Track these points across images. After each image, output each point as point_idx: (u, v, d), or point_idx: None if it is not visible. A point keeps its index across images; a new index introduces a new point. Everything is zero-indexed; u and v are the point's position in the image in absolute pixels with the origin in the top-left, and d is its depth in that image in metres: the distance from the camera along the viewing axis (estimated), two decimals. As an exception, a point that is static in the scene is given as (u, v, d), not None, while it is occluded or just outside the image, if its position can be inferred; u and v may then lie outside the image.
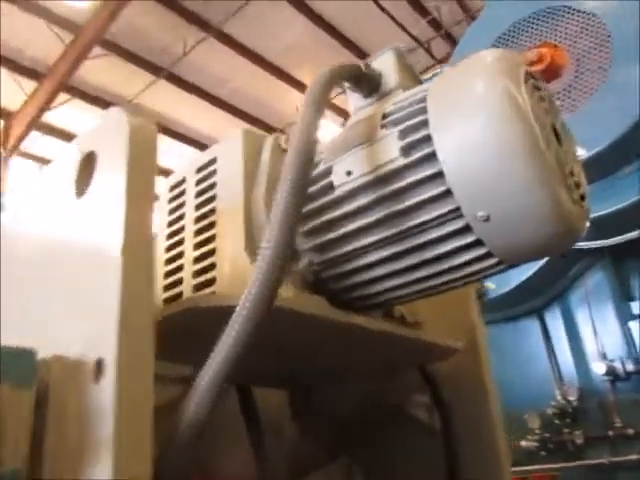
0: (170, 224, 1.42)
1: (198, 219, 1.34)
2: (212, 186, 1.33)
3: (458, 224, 1.01)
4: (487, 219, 0.97)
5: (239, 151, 1.29)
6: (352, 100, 1.31)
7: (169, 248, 1.39)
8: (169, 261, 1.38)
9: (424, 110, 1.03)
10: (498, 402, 1.61)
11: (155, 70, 11.37)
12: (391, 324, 1.26)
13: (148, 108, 11.90)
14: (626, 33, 3.03)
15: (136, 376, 0.77)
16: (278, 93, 12.37)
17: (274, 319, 1.03)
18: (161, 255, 1.41)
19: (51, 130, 12.15)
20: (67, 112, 11.66)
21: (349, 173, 1.11)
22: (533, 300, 3.91)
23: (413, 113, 1.05)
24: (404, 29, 10.93)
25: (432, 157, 1.00)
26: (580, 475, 3.52)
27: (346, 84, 1.25)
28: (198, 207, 1.35)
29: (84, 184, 0.98)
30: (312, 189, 1.18)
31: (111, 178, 0.91)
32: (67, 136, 12.54)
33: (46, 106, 11.17)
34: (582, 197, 1.06)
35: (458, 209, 0.99)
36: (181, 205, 1.41)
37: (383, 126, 1.09)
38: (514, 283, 3.70)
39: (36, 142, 12.00)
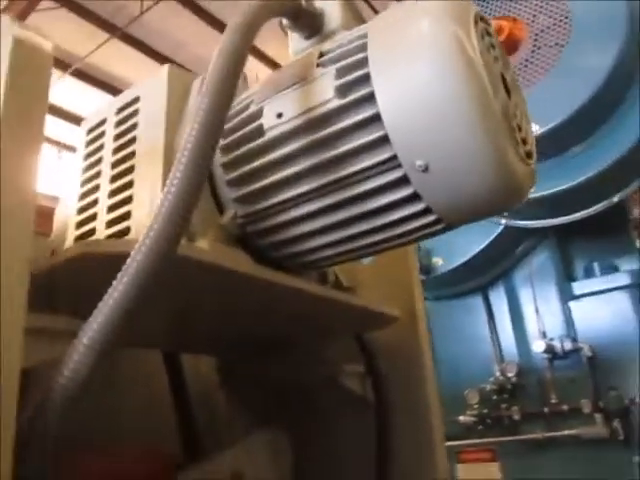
0: (85, 169, 1.29)
1: (116, 163, 1.21)
2: (133, 127, 1.20)
3: (395, 174, 0.92)
4: (425, 169, 0.88)
5: (163, 90, 1.16)
6: (292, 42, 1.20)
7: (83, 196, 1.25)
8: (82, 210, 1.24)
9: (364, 47, 0.93)
10: (434, 375, 1.56)
11: (110, 28, 10.85)
12: (323, 287, 1.17)
13: (100, 67, 11.38)
14: (586, 11, 3.00)
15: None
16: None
17: (185, 273, 0.93)
18: (74, 204, 1.27)
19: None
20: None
21: (280, 115, 1.00)
22: (479, 278, 3.92)
23: (352, 50, 0.95)
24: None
25: (370, 99, 0.91)
26: (516, 449, 3.59)
27: (284, 21, 1.13)
28: (116, 150, 1.22)
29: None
30: (239, 133, 1.07)
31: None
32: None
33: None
34: (528, 154, 0.99)
35: (396, 157, 0.90)
36: (99, 148, 1.27)
37: (319, 65, 0.99)
38: (461, 260, 3.69)
39: None
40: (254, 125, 1.04)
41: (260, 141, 1.03)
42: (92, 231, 1.18)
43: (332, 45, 1.00)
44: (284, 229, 1.07)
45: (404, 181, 0.92)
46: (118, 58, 11.45)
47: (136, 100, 1.22)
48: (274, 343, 1.47)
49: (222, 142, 1.11)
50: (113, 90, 11.59)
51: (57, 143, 12.69)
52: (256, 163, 1.04)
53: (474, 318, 4.15)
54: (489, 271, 3.94)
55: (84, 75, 11.49)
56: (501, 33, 2.93)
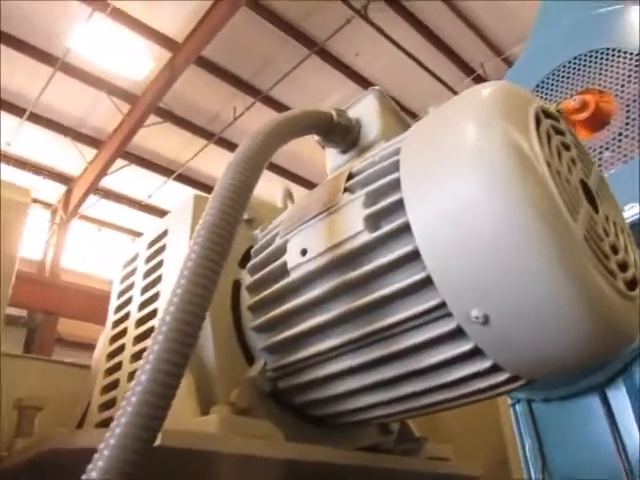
0: (117, 309, 1.18)
1: (142, 305, 1.09)
2: (159, 265, 1.09)
3: (447, 326, 0.71)
4: (485, 321, 0.66)
5: (187, 223, 1.04)
6: (328, 157, 1.05)
7: (115, 324, 1.14)
8: (110, 356, 1.13)
9: (396, 165, 0.75)
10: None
11: (207, 135, 11.67)
12: (372, 455, 0.94)
13: (201, 171, 12.16)
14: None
15: None
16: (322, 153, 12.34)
17: (194, 463, 0.74)
18: (107, 335, 1.17)
19: (108, 194, 12.58)
20: (124, 177, 12.07)
21: (304, 252, 0.83)
22: (594, 375, 3.38)
23: (383, 170, 0.77)
24: (449, 88, 10.77)
25: (405, 231, 0.71)
26: None
27: (315, 137, 0.99)
28: (144, 290, 1.11)
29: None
30: (265, 271, 0.91)
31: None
32: (123, 199, 12.94)
33: (104, 172, 11.61)
34: (632, 283, 0.74)
35: (444, 305, 0.69)
36: (130, 287, 1.17)
37: (347, 189, 0.82)
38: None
39: (94, 206, 12.42)
40: (278, 263, 0.88)
41: (285, 282, 0.86)
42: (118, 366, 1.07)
43: (362, 164, 0.83)
44: (320, 386, 0.87)
45: (459, 334, 0.70)
46: (216, 161, 12.22)
47: (164, 234, 1.11)
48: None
49: (249, 280, 0.95)
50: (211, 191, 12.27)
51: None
52: (283, 307, 0.87)
53: (592, 422, 3.56)
54: (606, 367, 3.40)
55: (185, 178, 12.31)
56: (586, 109, 2.64)
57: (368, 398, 0.83)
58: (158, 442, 0.65)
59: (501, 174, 0.65)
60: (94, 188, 12.31)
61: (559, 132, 0.78)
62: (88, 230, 13.04)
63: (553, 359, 0.69)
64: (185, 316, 0.62)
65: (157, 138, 12.01)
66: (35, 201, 12.09)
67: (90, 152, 11.76)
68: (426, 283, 0.69)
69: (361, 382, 0.82)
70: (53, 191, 12.23)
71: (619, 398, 3.45)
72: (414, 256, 0.70)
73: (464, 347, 0.71)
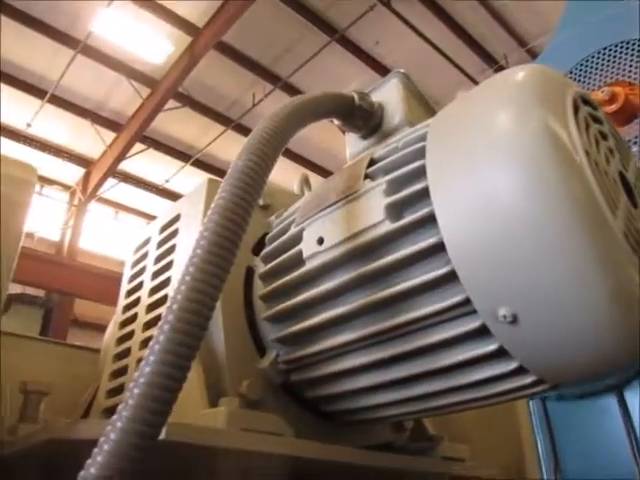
0: (127, 294, 1.15)
1: (152, 291, 1.06)
2: (171, 250, 1.05)
3: (471, 324, 0.66)
4: (513, 320, 0.62)
5: (200, 207, 1.01)
6: (348, 142, 1.01)
7: (125, 309, 1.12)
8: (119, 341, 1.10)
9: (422, 152, 0.71)
10: None
11: (225, 121, 11.64)
12: (384, 455, 0.90)
13: (219, 157, 12.14)
14: None
15: None
16: (342, 140, 12.25)
17: (200, 457, 0.71)
18: (117, 319, 1.15)
19: (126, 177, 12.63)
20: (142, 161, 12.11)
21: (321, 241, 0.79)
22: (612, 375, 3.31)
23: (407, 157, 0.73)
24: (471, 79, 10.60)
25: (430, 222, 0.67)
26: None
27: (335, 121, 0.94)
28: (155, 275, 1.08)
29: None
30: (279, 259, 0.87)
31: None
32: (141, 183, 12.98)
33: (123, 155, 11.65)
34: (672, 284, 0.69)
35: (469, 301, 0.65)
36: (141, 272, 1.14)
37: (368, 176, 0.77)
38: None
39: (112, 189, 12.47)
40: (293, 251, 0.84)
41: (300, 271, 0.82)
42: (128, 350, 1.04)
43: (385, 150, 0.79)
44: (333, 382, 0.83)
45: (484, 332, 0.66)
46: (234, 147, 12.18)
47: (177, 219, 1.08)
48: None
49: (263, 268, 0.92)
50: (228, 177, 12.25)
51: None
52: (297, 298, 0.83)
53: (608, 423, 3.49)
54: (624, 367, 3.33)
55: (203, 164, 12.30)
56: (615, 101, 2.55)
57: (383, 396, 0.80)
58: (163, 436, 0.62)
59: (537, 165, 0.60)
60: (112, 171, 12.37)
61: (597, 120, 0.73)
62: (106, 213, 13.12)
63: (584, 363, 0.65)
64: (193, 306, 0.59)
65: (176, 123, 12.02)
66: (54, 183, 12.19)
67: (109, 135, 11.81)
68: (450, 278, 0.65)
69: (377, 379, 0.78)
70: (72, 173, 12.30)
71: (636, 399, 3.38)
72: (438, 249, 0.65)
73: (489, 347, 0.66)
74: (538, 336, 0.62)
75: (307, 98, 0.83)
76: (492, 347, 0.66)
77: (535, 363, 0.65)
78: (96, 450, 0.53)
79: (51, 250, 11.87)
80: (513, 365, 0.67)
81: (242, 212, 0.65)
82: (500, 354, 0.67)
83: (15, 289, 9.47)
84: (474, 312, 0.65)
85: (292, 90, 10.99)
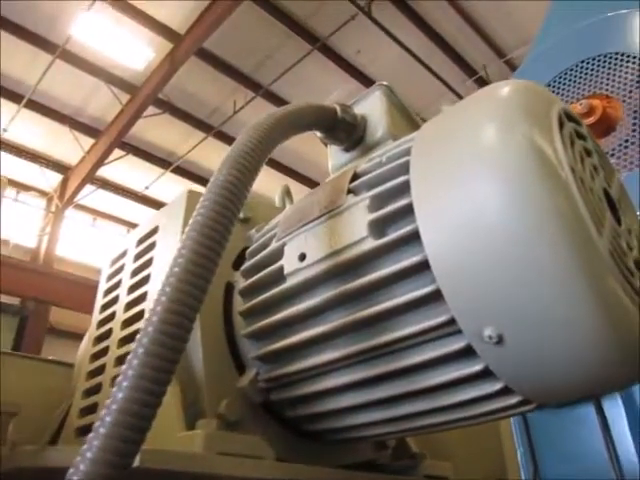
0: (102, 308, 1.12)
1: (128, 306, 1.03)
2: (148, 263, 1.02)
3: (455, 345, 0.65)
4: (499, 341, 0.60)
5: (179, 220, 0.98)
6: (330, 155, 0.99)
7: (99, 324, 1.08)
8: (94, 357, 1.07)
9: (406, 167, 0.69)
10: None
11: (206, 128, 11.59)
12: (366, 475, 0.88)
13: (199, 164, 12.05)
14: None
15: None
16: (326, 151, 12.26)
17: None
18: (92, 334, 1.11)
19: (104, 184, 12.48)
20: (121, 167, 11.98)
21: (302, 257, 0.77)
22: (600, 396, 3.32)
23: (391, 172, 0.71)
24: (451, 89, 10.71)
25: (414, 239, 0.66)
26: None
27: (317, 133, 0.93)
28: (131, 290, 1.05)
29: None
30: (260, 275, 0.85)
31: None
32: (120, 190, 12.83)
33: (102, 161, 11.51)
34: (657, 302, 0.68)
35: (454, 321, 0.63)
36: (116, 285, 1.11)
37: (351, 191, 0.76)
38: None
39: (90, 195, 12.31)
40: (274, 267, 0.81)
41: (281, 288, 0.80)
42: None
43: (368, 164, 0.77)
44: (314, 401, 0.81)
45: (469, 353, 0.64)
46: (214, 154, 12.13)
47: (154, 231, 1.05)
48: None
49: (243, 284, 0.89)
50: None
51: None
52: (278, 315, 0.81)
53: (586, 432, 3.51)
54: (604, 377, 3.35)
55: (183, 171, 12.21)
56: (593, 114, 2.58)
57: (366, 416, 0.78)
58: (137, 463, 0.59)
59: (522, 181, 0.59)
60: (91, 178, 12.21)
61: (581, 137, 0.72)
62: (83, 220, 12.94)
63: (572, 384, 0.63)
64: (169, 329, 0.56)
65: (156, 129, 11.93)
66: (31, 189, 11.98)
67: (88, 141, 11.67)
68: (435, 297, 0.63)
69: (359, 399, 0.76)
70: (50, 179, 12.11)
71: (614, 408, 3.41)
72: (423, 267, 0.64)
73: (474, 367, 0.65)
74: (524, 356, 0.61)
75: (289, 110, 0.82)
76: (477, 367, 0.65)
77: (521, 383, 0.64)
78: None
79: (27, 257, 11.65)
80: (498, 386, 0.65)
81: (221, 229, 0.63)
82: (485, 375, 0.65)
83: (-13, 297, 9.26)
84: (459, 332, 0.64)
85: (273, 98, 10.99)
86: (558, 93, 3.19)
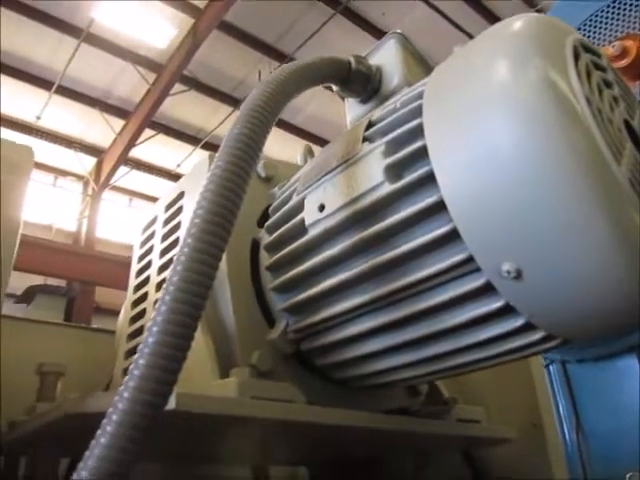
0: (138, 273, 1.16)
1: (161, 269, 1.07)
2: (177, 227, 1.06)
3: (475, 282, 0.66)
4: (518, 276, 0.61)
5: (203, 182, 1.00)
6: (348, 108, 0.99)
7: (134, 303, 1.13)
8: (133, 320, 1.11)
9: (419, 110, 0.69)
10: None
11: (232, 102, 11.59)
12: (397, 418, 0.90)
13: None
14: None
15: None
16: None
17: (211, 426, 0.72)
18: (129, 299, 1.16)
19: (138, 164, 12.69)
20: (152, 147, 12.13)
21: (322, 208, 0.78)
22: (631, 336, 3.26)
23: (404, 116, 0.71)
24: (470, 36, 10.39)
25: (429, 181, 0.66)
26: None
27: (333, 87, 0.93)
28: (162, 253, 1.08)
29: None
30: (283, 229, 0.87)
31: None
32: (153, 169, 13.02)
33: (133, 142, 11.68)
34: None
35: (472, 259, 0.64)
36: (149, 251, 1.15)
37: (366, 139, 0.76)
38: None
39: (124, 177, 12.54)
40: (296, 220, 0.83)
41: (303, 240, 0.82)
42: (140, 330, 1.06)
43: (383, 112, 0.77)
44: (342, 348, 0.83)
45: (489, 290, 0.65)
46: (242, 128, 12.09)
47: (181, 196, 1.08)
48: (362, 463, 1.21)
49: (267, 239, 0.92)
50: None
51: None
52: (302, 266, 0.83)
53: (629, 384, 3.46)
54: (646, 327, 3.28)
55: (213, 146, 12.27)
56: (626, 56, 2.47)
57: (393, 360, 0.80)
58: (173, 406, 0.63)
59: (536, 115, 0.59)
60: (124, 159, 12.41)
61: (600, 68, 0.71)
62: (120, 201, 13.21)
63: (592, 315, 0.64)
64: (193, 276, 0.59)
65: (184, 107, 11.99)
66: (67, 174, 12.28)
67: (118, 123, 11.83)
68: (452, 236, 0.64)
69: (385, 343, 0.78)
70: (85, 163, 12.37)
71: (658, 358, 3.34)
72: (439, 208, 0.65)
73: (494, 304, 0.66)
74: (543, 290, 0.61)
75: (303, 64, 0.82)
76: (498, 304, 0.65)
77: (542, 318, 0.64)
78: (105, 421, 0.53)
79: (69, 240, 12.01)
80: (520, 322, 0.66)
81: (239, 180, 0.65)
82: (506, 311, 0.66)
83: (37, 280, 9.63)
84: (478, 270, 0.64)
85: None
86: (589, 37, 3.07)
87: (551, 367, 3.97)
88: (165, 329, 0.56)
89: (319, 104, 11.48)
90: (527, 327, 0.66)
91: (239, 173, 0.65)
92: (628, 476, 3.38)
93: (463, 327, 0.70)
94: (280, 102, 0.74)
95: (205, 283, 0.60)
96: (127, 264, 1.24)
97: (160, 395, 0.55)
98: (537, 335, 0.67)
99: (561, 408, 3.88)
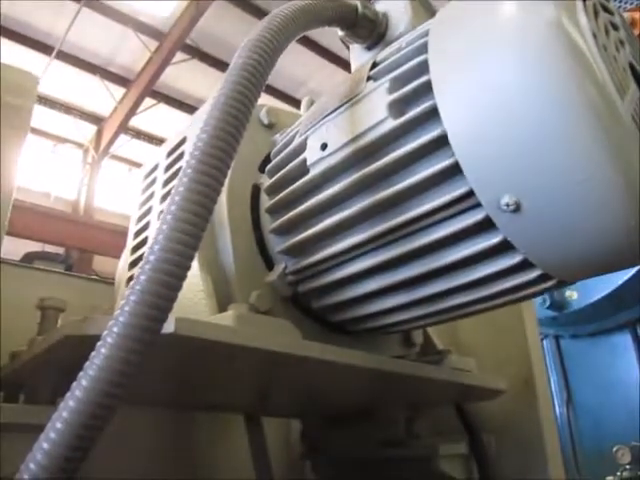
0: (139, 219, 1.17)
1: (162, 213, 1.07)
2: (177, 173, 1.06)
3: (474, 217, 0.66)
4: (516, 209, 0.61)
5: (206, 124, 1.00)
6: (353, 54, 0.99)
7: (134, 249, 1.13)
8: (132, 265, 1.12)
9: (424, 48, 0.69)
10: (559, 455, 1.21)
11: (235, 73, 11.45)
12: (394, 360, 0.92)
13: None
14: None
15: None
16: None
17: (210, 353, 0.73)
18: (129, 245, 1.17)
19: (138, 133, 12.60)
20: (153, 116, 12.03)
21: (324, 147, 0.79)
22: (626, 312, 3.29)
23: (409, 54, 0.71)
24: None
25: (432, 115, 0.66)
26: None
27: (339, 32, 0.92)
28: (164, 198, 1.09)
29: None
30: (284, 171, 0.87)
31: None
32: (153, 139, 12.93)
33: (133, 111, 11.58)
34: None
35: (472, 193, 0.65)
36: (150, 197, 1.15)
37: (371, 78, 0.76)
38: (603, 292, 3.12)
39: (124, 145, 12.46)
40: (297, 161, 0.83)
41: (305, 179, 0.82)
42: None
43: (388, 52, 0.77)
44: (339, 289, 0.84)
45: (488, 225, 0.66)
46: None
47: (182, 142, 1.08)
48: (354, 414, 1.23)
49: (268, 182, 0.92)
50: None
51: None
52: (302, 207, 0.83)
53: (621, 360, 3.50)
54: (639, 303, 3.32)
55: (214, 119, 12.16)
56: (634, 27, 2.46)
57: (389, 300, 0.81)
58: (172, 329, 0.64)
59: (540, 47, 0.59)
60: (124, 128, 12.30)
61: (606, 9, 0.70)
62: (119, 169, 13.15)
63: (592, 257, 0.64)
64: (191, 206, 0.59)
65: (185, 76, 11.86)
66: (67, 141, 12.19)
67: (119, 91, 11.69)
68: (454, 170, 0.64)
69: (382, 282, 0.79)
70: (84, 131, 12.28)
71: (651, 336, 3.38)
72: (441, 142, 0.65)
73: (492, 240, 0.66)
74: (542, 225, 0.62)
75: (310, 3, 0.81)
76: (496, 240, 0.66)
77: (540, 255, 0.65)
78: (99, 343, 0.54)
79: (68, 209, 11.98)
80: (517, 258, 0.67)
81: (243, 108, 0.64)
82: (504, 247, 0.67)
83: (35, 247, 9.63)
84: (478, 205, 0.65)
85: (303, 37, 10.74)
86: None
87: (545, 342, 4.01)
88: (162, 257, 0.56)
89: (320, 80, 11.35)
90: (524, 265, 0.67)
91: (243, 101, 0.64)
92: (615, 449, 3.45)
93: (460, 265, 0.71)
94: (287, 37, 0.73)
95: (207, 204, 0.60)
96: (125, 233, 1.24)
97: (155, 320, 0.55)
98: (533, 274, 0.68)
99: (552, 382, 3.93)
